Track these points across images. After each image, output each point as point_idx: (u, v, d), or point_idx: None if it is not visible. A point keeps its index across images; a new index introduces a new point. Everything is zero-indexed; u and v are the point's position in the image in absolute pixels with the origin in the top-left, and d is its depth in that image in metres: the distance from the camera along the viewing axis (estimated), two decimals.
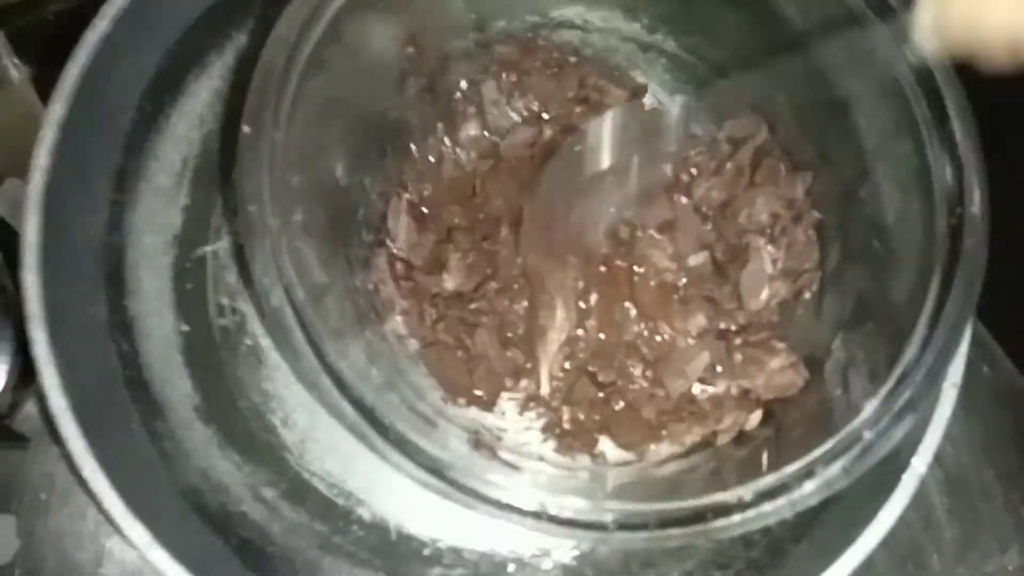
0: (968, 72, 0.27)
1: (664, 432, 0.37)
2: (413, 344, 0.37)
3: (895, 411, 0.29)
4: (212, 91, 0.38)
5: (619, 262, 0.38)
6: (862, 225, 0.35)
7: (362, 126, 0.37)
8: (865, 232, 0.35)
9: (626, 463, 0.36)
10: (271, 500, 0.35)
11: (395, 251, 0.38)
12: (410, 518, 0.35)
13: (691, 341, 0.38)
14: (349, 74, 0.34)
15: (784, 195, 0.39)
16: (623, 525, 0.28)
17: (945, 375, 0.31)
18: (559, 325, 0.37)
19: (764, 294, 0.38)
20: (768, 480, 0.29)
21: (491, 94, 0.40)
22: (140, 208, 0.36)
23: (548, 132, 0.40)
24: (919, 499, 0.33)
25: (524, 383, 0.37)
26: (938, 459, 0.36)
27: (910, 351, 0.30)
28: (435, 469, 0.28)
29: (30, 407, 0.38)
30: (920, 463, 0.32)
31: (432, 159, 0.40)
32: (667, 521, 0.28)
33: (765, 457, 0.33)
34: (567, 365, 0.38)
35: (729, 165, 0.39)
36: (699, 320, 0.38)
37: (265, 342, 0.36)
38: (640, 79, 0.42)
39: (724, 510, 0.29)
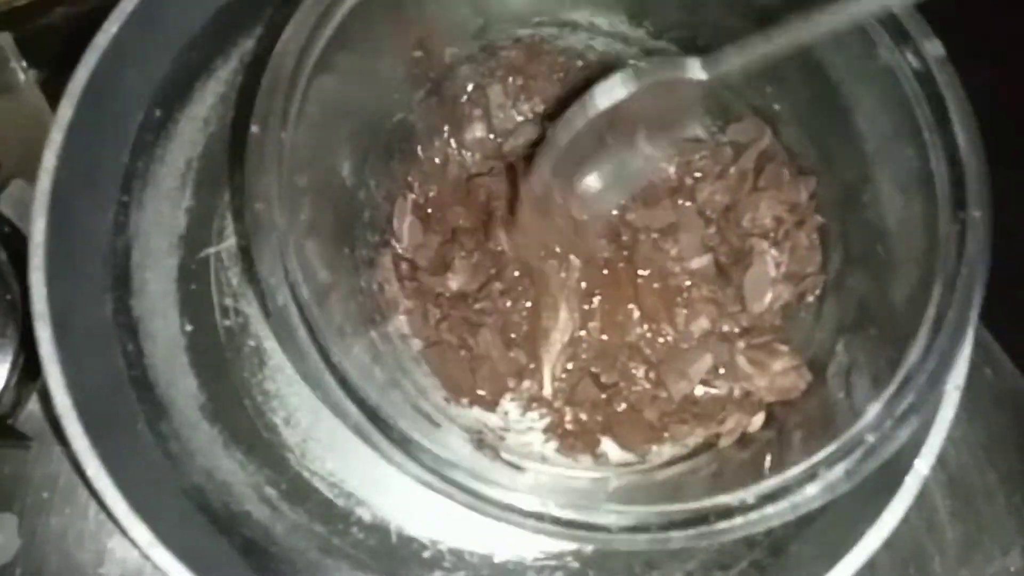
0: (969, 72, 0.27)
1: (666, 434, 0.37)
2: (417, 344, 0.37)
3: (898, 414, 0.29)
4: (217, 95, 0.39)
5: (622, 264, 0.38)
6: (864, 229, 0.35)
7: (369, 128, 0.37)
8: (868, 236, 0.35)
9: (628, 464, 0.36)
10: (273, 500, 0.35)
11: (400, 251, 0.38)
12: (411, 520, 0.35)
13: (694, 343, 0.38)
14: (357, 77, 0.34)
15: (787, 199, 0.39)
16: (625, 527, 0.28)
17: (947, 378, 0.31)
18: (562, 326, 0.37)
19: (767, 297, 0.38)
20: (770, 483, 0.29)
21: (497, 97, 0.40)
22: (146, 210, 0.37)
23: None
24: (922, 501, 0.33)
25: (527, 384, 0.37)
26: (940, 461, 0.36)
27: (913, 354, 0.30)
28: (437, 469, 0.28)
29: (33, 407, 0.39)
30: (923, 465, 0.32)
31: (438, 161, 0.40)
32: (669, 523, 0.28)
33: (768, 460, 0.33)
34: (570, 366, 0.38)
35: (733, 169, 0.40)
36: (702, 322, 0.38)
37: (268, 343, 0.36)
38: None
39: (726, 512, 0.28)
